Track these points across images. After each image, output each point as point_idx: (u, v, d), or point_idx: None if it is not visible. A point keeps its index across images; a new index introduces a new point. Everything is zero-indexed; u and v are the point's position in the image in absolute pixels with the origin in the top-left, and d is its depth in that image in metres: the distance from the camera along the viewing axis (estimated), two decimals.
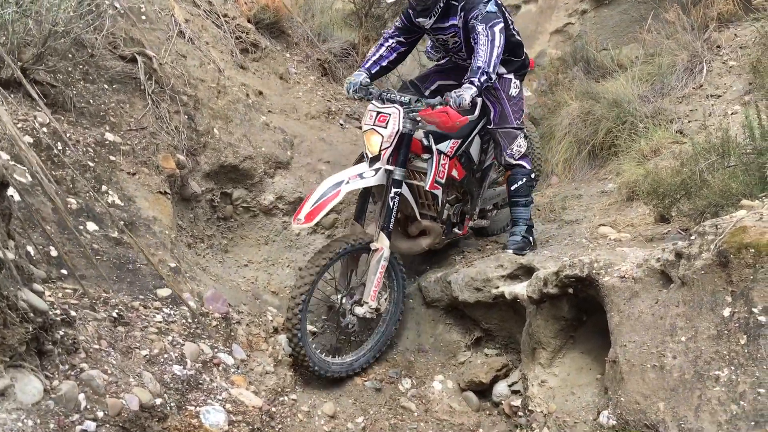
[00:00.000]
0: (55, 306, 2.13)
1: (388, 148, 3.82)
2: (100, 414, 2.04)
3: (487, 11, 4.01)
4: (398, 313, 4.34)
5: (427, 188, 4.09)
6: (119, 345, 2.41)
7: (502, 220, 5.09)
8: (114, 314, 2.59)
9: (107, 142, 3.51)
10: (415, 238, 4.43)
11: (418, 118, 3.91)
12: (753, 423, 2.11)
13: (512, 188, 4.46)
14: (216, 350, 3.04)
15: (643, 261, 3.00)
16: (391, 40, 4.38)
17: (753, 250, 2.36)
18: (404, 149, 3.89)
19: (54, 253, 2.67)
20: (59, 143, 3.15)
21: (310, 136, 5.27)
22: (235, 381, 2.94)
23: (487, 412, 4.33)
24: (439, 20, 4.13)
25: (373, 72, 4.28)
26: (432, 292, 4.63)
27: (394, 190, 3.88)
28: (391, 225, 3.92)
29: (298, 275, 3.91)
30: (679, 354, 2.48)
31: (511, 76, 4.46)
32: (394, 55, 4.39)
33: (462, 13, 4.08)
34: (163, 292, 3.00)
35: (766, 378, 2.05)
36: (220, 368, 2.92)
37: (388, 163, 3.86)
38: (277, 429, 4.00)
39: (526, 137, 4.56)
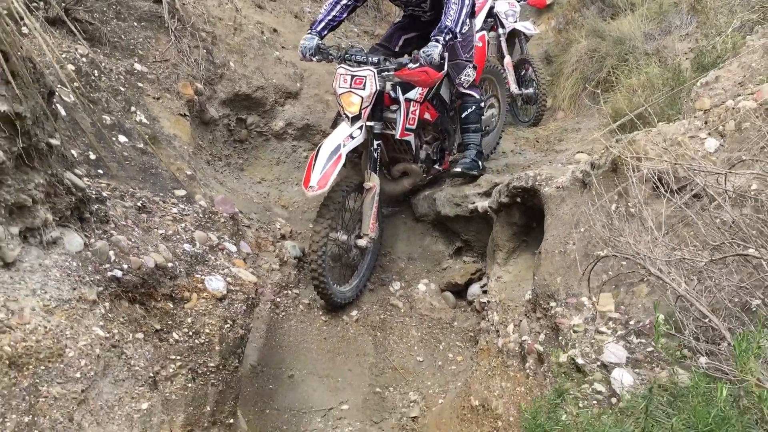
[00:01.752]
0: (91, 188, 2.86)
1: (367, 107, 4.20)
2: (125, 266, 2.79)
3: None
4: (380, 241, 4.89)
5: (397, 137, 4.53)
6: (141, 225, 3.15)
7: (487, 144, 5.62)
8: (138, 204, 3.33)
9: (136, 71, 4.22)
10: (397, 180, 4.95)
11: (395, 79, 4.26)
12: (613, 286, 2.74)
13: (462, 115, 4.92)
14: (222, 240, 3.77)
15: (571, 173, 3.59)
16: (344, 1, 4.51)
17: (634, 159, 2.94)
18: (379, 105, 4.32)
19: (93, 156, 3.41)
20: (96, 71, 3.87)
21: (319, 69, 5.89)
22: (236, 263, 3.67)
23: (462, 309, 5.04)
24: None
25: (323, 34, 4.48)
26: (420, 208, 5.30)
27: (375, 142, 4.37)
28: (377, 167, 4.43)
29: (312, 229, 4.37)
30: (577, 241, 3.10)
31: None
32: (346, 14, 4.58)
33: None
34: (180, 193, 3.72)
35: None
36: (224, 252, 3.65)
37: (367, 120, 4.27)
38: (281, 316, 4.80)
39: (474, 68, 4.88)
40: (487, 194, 4.87)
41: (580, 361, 2.54)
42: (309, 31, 4.53)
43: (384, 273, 5.31)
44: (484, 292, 4.82)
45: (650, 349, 2.37)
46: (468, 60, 4.78)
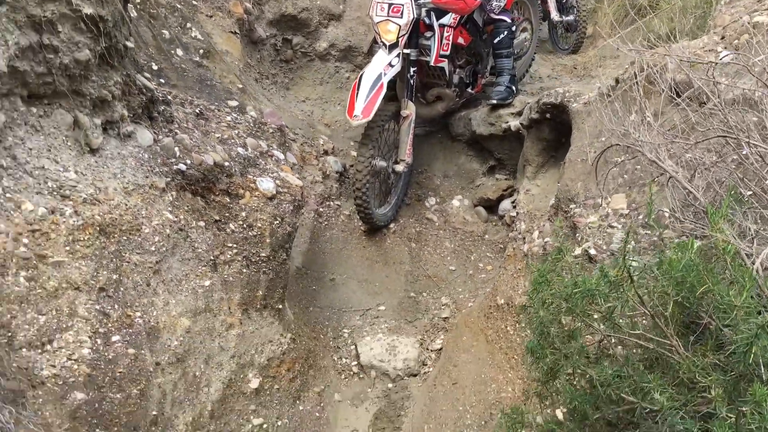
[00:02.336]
0: (158, 91, 3.20)
1: (405, 35, 4.26)
2: (188, 162, 3.15)
3: None
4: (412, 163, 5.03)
5: (432, 64, 4.56)
6: (200, 128, 3.50)
7: (519, 67, 5.77)
8: (197, 111, 3.67)
9: None
10: (431, 104, 5.07)
11: (430, 5, 4.29)
12: (627, 188, 3.00)
13: (495, 41, 5.02)
14: (271, 148, 4.11)
15: (597, 89, 3.80)
16: None
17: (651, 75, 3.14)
18: (415, 33, 4.37)
19: (155, 67, 3.75)
20: None
21: None
22: (284, 169, 4.02)
23: (493, 223, 5.34)
24: None
25: None
26: (456, 127, 5.54)
27: (411, 69, 4.46)
28: (413, 95, 4.58)
29: (357, 157, 4.52)
30: (597, 149, 3.35)
31: None
32: None
33: None
34: (233, 103, 4.05)
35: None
36: (273, 159, 4.00)
37: (404, 48, 4.34)
38: (323, 225, 5.17)
39: None
40: (519, 114, 5.07)
41: (592, 251, 2.83)
42: None
43: (420, 189, 5.62)
44: (514, 207, 5.10)
45: (654, 238, 2.65)
46: None
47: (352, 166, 4.68)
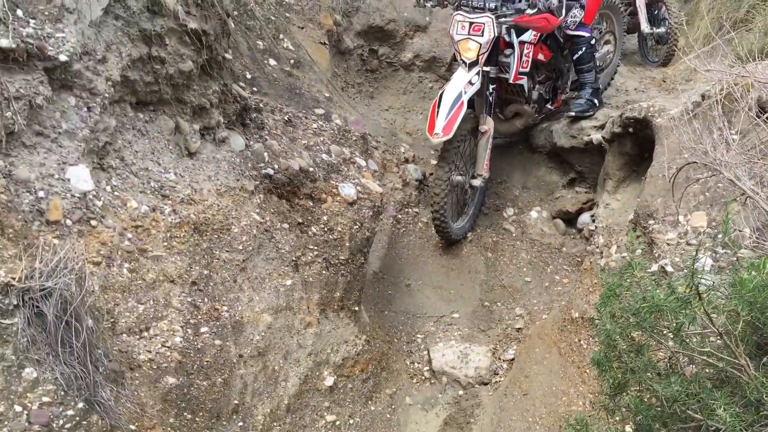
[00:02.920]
0: (251, 99, 3.40)
1: (485, 53, 4.24)
2: (276, 166, 3.33)
3: None
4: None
5: (510, 81, 4.52)
6: (288, 135, 3.69)
7: (601, 81, 5.59)
8: (285, 118, 3.87)
9: (284, 2, 4.74)
10: (510, 120, 5.05)
11: (505, 32, 4.25)
12: (709, 205, 2.96)
13: (575, 57, 4.96)
14: (354, 155, 4.26)
15: (683, 104, 3.75)
16: None
17: (740, 92, 3.09)
18: (495, 50, 4.35)
19: (248, 75, 3.97)
20: (252, 1, 4.41)
21: None
22: (365, 175, 4.16)
23: (571, 236, 5.32)
24: None
25: None
26: (537, 139, 5.55)
27: (491, 86, 4.46)
28: (492, 110, 4.56)
29: (435, 173, 4.55)
30: (679, 165, 3.31)
31: None
32: None
33: None
34: (319, 111, 4.23)
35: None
36: (355, 166, 4.15)
37: (484, 65, 4.32)
38: (401, 231, 5.29)
39: (582, 7, 4.83)
40: (602, 127, 5.02)
41: (669, 268, 2.82)
42: None
43: (498, 199, 5.65)
44: (593, 220, 5.06)
45: (734, 258, 2.62)
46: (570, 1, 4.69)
47: (431, 174, 4.76)
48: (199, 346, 2.50)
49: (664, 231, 3.10)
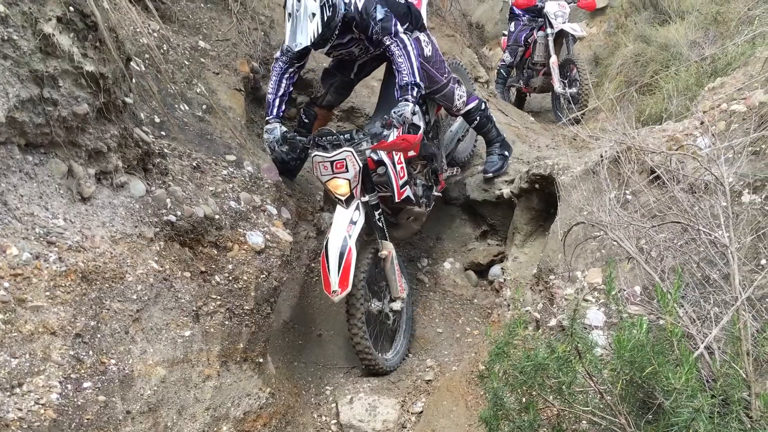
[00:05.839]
0: (155, 144, 3.32)
1: (357, 185, 4.06)
2: (179, 213, 3.24)
3: (381, 20, 4.00)
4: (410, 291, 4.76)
5: (397, 200, 4.32)
6: (195, 181, 3.61)
7: (465, 149, 5.66)
8: (194, 164, 3.79)
9: (199, 47, 4.70)
10: (406, 224, 4.81)
11: (370, 152, 4.04)
12: (604, 263, 3.07)
13: (474, 126, 5.06)
14: (265, 203, 4.21)
15: (584, 164, 3.91)
16: (289, 71, 4.36)
17: (634, 155, 3.25)
18: (367, 175, 4.14)
19: (157, 120, 3.89)
20: (165, 45, 4.35)
21: None
22: (275, 224, 4.11)
23: (482, 288, 5.39)
24: (338, 39, 4.11)
25: (282, 115, 4.36)
26: (452, 192, 5.66)
27: (376, 213, 4.26)
28: (386, 233, 4.34)
29: (349, 331, 4.25)
30: (580, 224, 3.43)
31: (417, 33, 4.47)
32: (293, 80, 4.41)
33: (356, 29, 4.10)
34: (231, 158, 4.17)
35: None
36: (266, 214, 4.09)
37: (361, 196, 4.14)
38: (314, 280, 5.22)
39: (458, 81, 4.79)
40: (512, 182, 5.19)
41: (566, 323, 2.88)
42: (267, 120, 4.36)
43: (414, 250, 5.69)
44: (503, 273, 5.15)
45: (625, 315, 2.70)
46: (447, 81, 4.64)
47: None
48: (79, 403, 2.35)
49: (563, 286, 3.17)
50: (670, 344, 1.78)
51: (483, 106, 5.03)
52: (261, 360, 3.74)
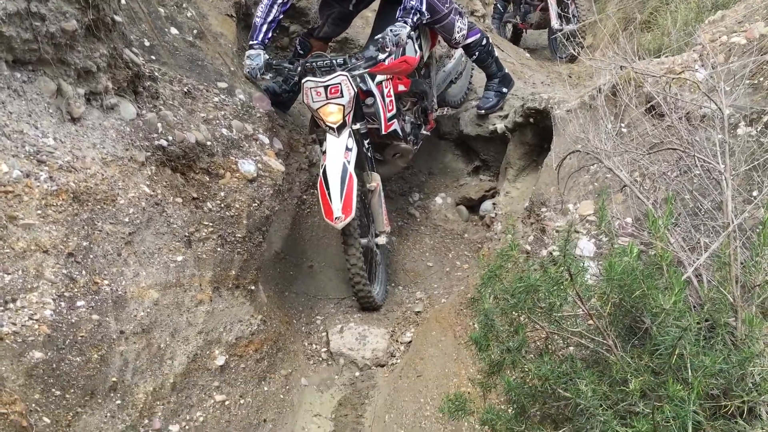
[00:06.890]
0: (145, 67, 3.25)
1: (350, 112, 3.95)
2: (170, 138, 3.21)
3: None
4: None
5: (383, 132, 4.21)
6: (186, 107, 3.56)
7: (458, 91, 5.51)
8: (185, 89, 3.73)
9: None
10: (392, 161, 4.74)
11: (369, 74, 3.94)
12: (597, 195, 3.08)
13: (474, 60, 4.95)
14: (257, 132, 4.17)
15: (579, 97, 3.87)
16: None
17: (632, 88, 3.21)
18: (357, 104, 4.04)
19: (147, 43, 3.80)
20: None
21: None
22: (268, 153, 4.08)
23: (473, 222, 5.41)
24: None
25: (267, 43, 4.18)
26: (445, 126, 5.61)
27: (365, 142, 4.19)
28: (374, 164, 4.30)
29: (347, 261, 4.20)
30: (573, 156, 3.42)
31: None
32: (286, 7, 4.25)
33: None
34: (222, 85, 4.10)
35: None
36: (258, 143, 4.06)
37: (352, 124, 4.03)
38: (306, 212, 5.23)
39: (459, 13, 4.66)
40: (506, 117, 5.15)
41: (556, 254, 2.90)
42: (250, 45, 4.19)
43: (405, 184, 5.68)
44: (495, 208, 5.17)
45: (616, 244, 2.72)
46: (450, 10, 4.49)
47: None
48: (73, 321, 2.37)
49: (555, 219, 3.19)
50: (659, 269, 1.80)
51: (484, 42, 4.88)
52: (253, 288, 3.77)
